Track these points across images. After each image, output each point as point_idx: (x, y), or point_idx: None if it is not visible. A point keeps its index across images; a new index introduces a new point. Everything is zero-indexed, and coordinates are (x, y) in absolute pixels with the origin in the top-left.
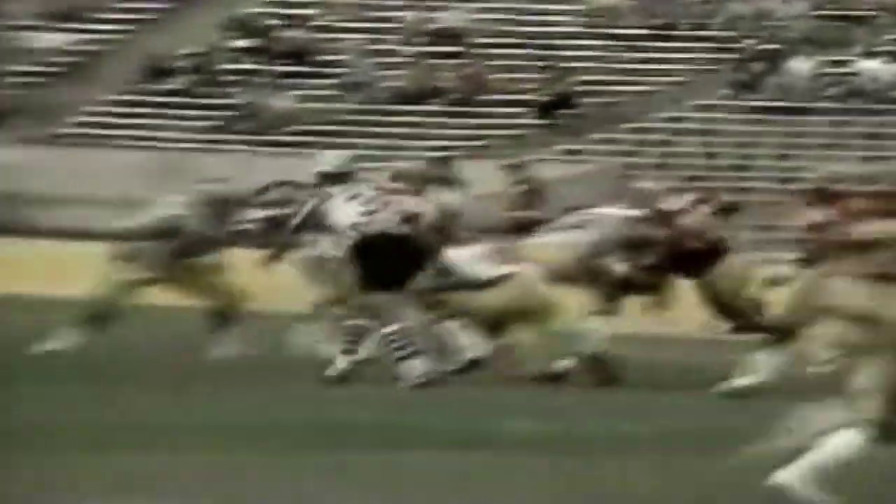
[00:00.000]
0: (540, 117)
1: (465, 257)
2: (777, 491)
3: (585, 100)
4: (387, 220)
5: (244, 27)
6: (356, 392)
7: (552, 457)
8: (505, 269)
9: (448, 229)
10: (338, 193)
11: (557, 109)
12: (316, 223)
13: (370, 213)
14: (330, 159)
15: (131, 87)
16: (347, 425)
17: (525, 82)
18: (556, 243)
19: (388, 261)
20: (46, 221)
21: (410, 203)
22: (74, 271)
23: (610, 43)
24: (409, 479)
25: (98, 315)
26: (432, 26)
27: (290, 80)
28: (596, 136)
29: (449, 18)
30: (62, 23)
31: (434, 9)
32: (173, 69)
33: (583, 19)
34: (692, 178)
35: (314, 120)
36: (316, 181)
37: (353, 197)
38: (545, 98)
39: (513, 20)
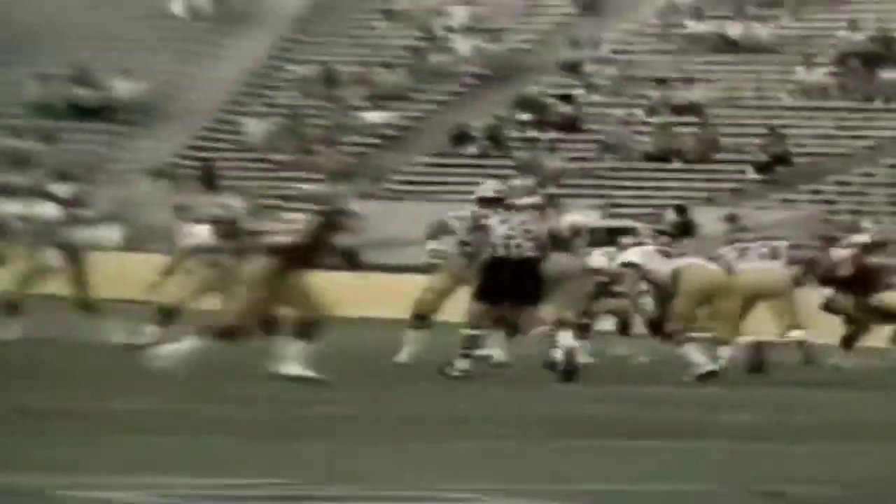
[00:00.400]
0: (760, 173)
1: (640, 255)
2: None
3: (797, 159)
4: (521, 246)
5: (526, 103)
6: (591, 390)
7: (766, 444)
8: (679, 262)
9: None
10: (492, 216)
11: (774, 166)
12: (480, 241)
13: (510, 237)
14: (489, 186)
15: (439, 151)
16: (588, 418)
17: (748, 145)
18: (759, 269)
19: (509, 280)
20: (381, 259)
21: (548, 227)
22: (403, 298)
23: (817, 113)
24: (638, 465)
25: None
26: (675, 101)
27: (561, 144)
28: (805, 187)
29: (688, 94)
30: (385, 102)
31: (677, 87)
32: (471, 136)
33: (796, 94)
34: (879, 222)
35: (579, 175)
36: (477, 204)
37: (504, 221)
38: (765, 157)
39: (739, 95)
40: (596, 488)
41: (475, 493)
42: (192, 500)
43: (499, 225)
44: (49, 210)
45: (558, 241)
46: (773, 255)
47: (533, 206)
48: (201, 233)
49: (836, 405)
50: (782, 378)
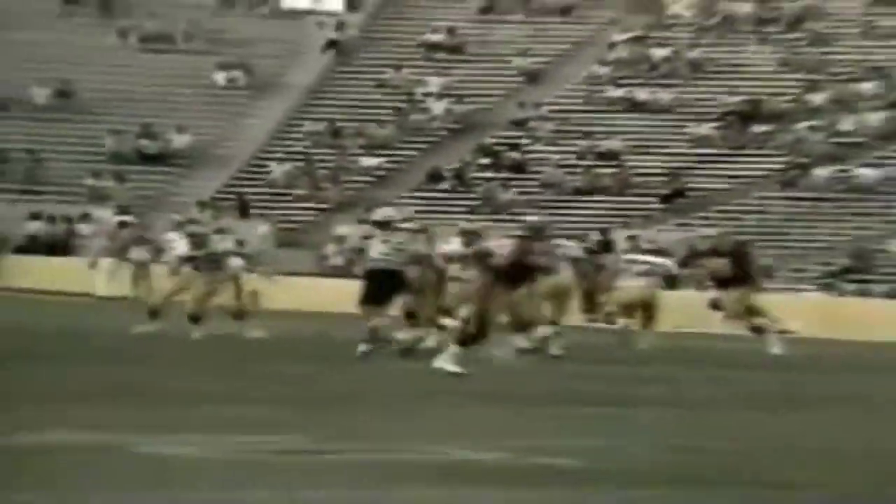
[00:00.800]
0: (662, 203)
1: (497, 246)
2: None
3: (690, 193)
4: (390, 260)
5: (485, 150)
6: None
7: (680, 411)
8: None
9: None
10: (378, 236)
11: (673, 199)
12: (362, 256)
13: (386, 253)
14: (381, 211)
15: (418, 187)
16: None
17: (653, 182)
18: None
19: (380, 286)
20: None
21: (421, 248)
22: None
23: (705, 158)
24: (578, 426)
25: None
26: (598, 149)
27: (511, 182)
28: (696, 214)
29: (608, 144)
30: (377, 150)
31: (599, 138)
32: (443, 176)
33: (689, 143)
34: (750, 241)
35: (525, 206)
36: (372, 226)
37: (385, 241)
38: (666, 191)
39: (646, 144)
40: (543, 444)
41: (447, 447)
42: (236, 453)
43: (380, 243)
44: (223, 244)
45: (420, 258)
46: (650, 271)
47: (410, 230)
48: (181, 245)
49: (737, 381)
50: (684, 358)
